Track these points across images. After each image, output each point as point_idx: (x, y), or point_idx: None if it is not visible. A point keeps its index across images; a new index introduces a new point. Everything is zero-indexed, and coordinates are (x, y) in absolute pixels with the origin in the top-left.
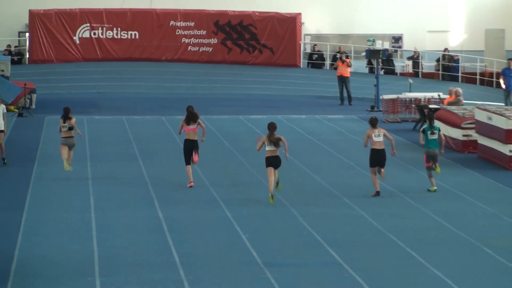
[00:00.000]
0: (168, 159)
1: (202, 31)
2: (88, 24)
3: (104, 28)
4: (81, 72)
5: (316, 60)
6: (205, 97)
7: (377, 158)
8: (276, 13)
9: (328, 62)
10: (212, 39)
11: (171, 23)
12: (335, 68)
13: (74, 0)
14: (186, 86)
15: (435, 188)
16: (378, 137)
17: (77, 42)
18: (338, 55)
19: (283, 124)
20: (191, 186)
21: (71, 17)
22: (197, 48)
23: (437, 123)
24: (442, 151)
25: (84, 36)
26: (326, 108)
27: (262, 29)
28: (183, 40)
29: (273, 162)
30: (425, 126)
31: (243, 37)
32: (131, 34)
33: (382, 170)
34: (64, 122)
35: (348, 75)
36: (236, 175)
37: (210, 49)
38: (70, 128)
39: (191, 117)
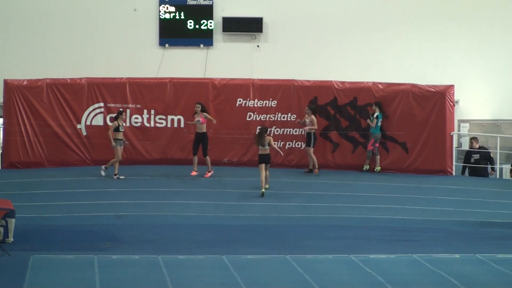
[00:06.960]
0: None
1: (289, 115)
2: (102, 104)
3: (129, 111)
4: (89, 182)
5: None
6: (294, 223)
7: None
8: (413, 85)
9: (498, 166)
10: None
11: (238, 102)
12: None
13: (80, 63)
14: (263, 206)
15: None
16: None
17: (83, 133)
18: None
19: (423, 268)
20: (194, 175)
21: (74, 92)
22: (282, 142)
23: None
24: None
25: (95, 123)
26: (495, 243)
27: (390, 111)
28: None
29: (265, 159)
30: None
31: (356, 124)
32: (172, 120)
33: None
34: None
35: None
36: None
37: (305, 145)
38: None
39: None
